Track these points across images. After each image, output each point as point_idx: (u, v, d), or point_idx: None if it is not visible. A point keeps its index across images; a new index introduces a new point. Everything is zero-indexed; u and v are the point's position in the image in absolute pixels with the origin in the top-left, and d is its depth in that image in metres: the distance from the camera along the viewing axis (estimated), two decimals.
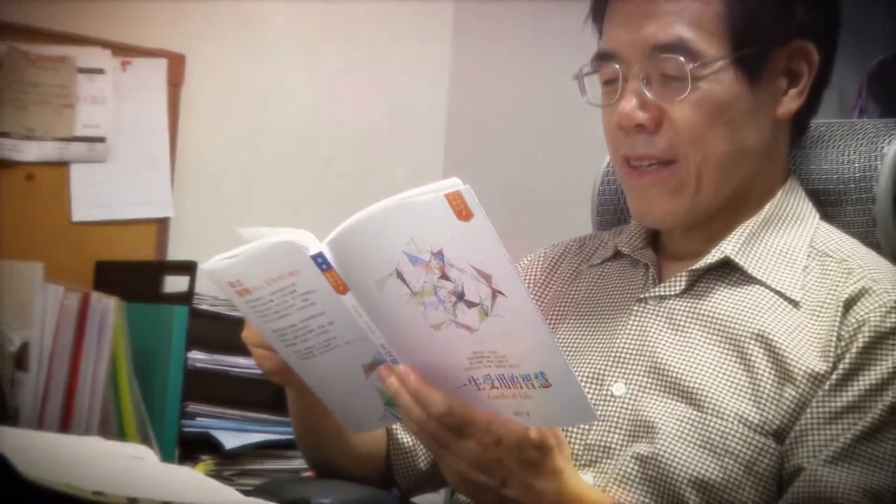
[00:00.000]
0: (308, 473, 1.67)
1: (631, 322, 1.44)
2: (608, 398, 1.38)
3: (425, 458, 1.56)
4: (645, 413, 1.35)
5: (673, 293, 1.43)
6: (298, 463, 2.12)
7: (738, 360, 1.34)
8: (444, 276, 1.10)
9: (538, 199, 2.72)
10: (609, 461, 1.35)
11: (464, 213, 1.05)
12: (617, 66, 1.40)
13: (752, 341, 1.34)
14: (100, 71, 2.55)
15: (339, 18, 2.88)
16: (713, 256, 1.42)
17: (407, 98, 2.99)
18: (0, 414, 2.07)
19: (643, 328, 1.42)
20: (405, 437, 1.56)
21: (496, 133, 2.95)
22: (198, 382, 2.23)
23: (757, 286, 1.39)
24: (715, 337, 1.37)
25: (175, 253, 2.62)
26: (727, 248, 1.42)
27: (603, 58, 1.43)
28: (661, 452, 1.32)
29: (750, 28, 1.36)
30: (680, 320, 1.41)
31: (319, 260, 1.17)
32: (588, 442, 1.37)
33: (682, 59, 1.35)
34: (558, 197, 2.48)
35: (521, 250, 1.60)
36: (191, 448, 2.21)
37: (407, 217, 1.08)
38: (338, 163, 2.87)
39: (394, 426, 1.55)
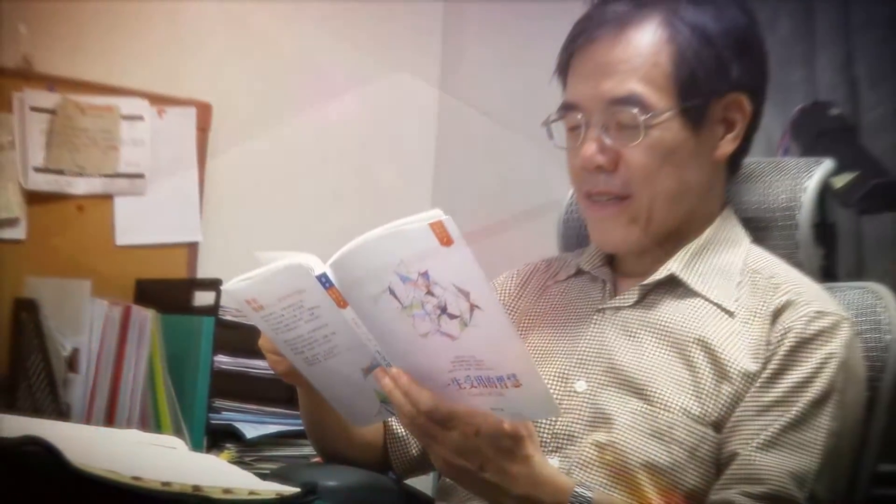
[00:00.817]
0: (316, 460, 1.66)
1: (591, 329, 1.43)
2: (571, 394, 1.38)
3: (416, 447, 1.55)
4: (603, 406, 1.35)
5: (627, 305, 1.43)
6: (308, 450, 2.11)
7: (682, 362, 1.34)
8: (430, 293, 1.09)
9: (518, 212, 2.69)
10: (572, 448, 1.34)
11: (445, 239, 1.05)
12: (580, 116, 1.40)
13: (694, 345, 1.34)
14: (140, 118, 2.56)
15: (342, 59, 2.88)
16: (661, 273, 1.42)
17: (400, 122, 3.01)
18: (54, 409, 2.07)
19: (601, 334, 1.42)
20: (399, 429, 1.55)
21: (480, 153, 2.93)
22: (223, 382, 2.23)
23: (698, 298, 1.39)
24: (662, 342, 1.37)
25: (203, 272, 2.62)
26: (672, 266, 1.42)
27: (567, 108, 1.43)
28: (617, 440, 1.31)
29: (693, 84, 1.37)
30: (633, 327, 1.40)
31: (323, 279, 1.17)
32: (555, 431, 1.36)
33: (635, 111, 1.35)
34: (536, 214, 2.45)
35: (504, 261, 1.61)
36: (217, 438, 2.21)
37: (397, 243, 1.08)
38: (341, 194, 2.88)
39: (389, 420, 1.54)
